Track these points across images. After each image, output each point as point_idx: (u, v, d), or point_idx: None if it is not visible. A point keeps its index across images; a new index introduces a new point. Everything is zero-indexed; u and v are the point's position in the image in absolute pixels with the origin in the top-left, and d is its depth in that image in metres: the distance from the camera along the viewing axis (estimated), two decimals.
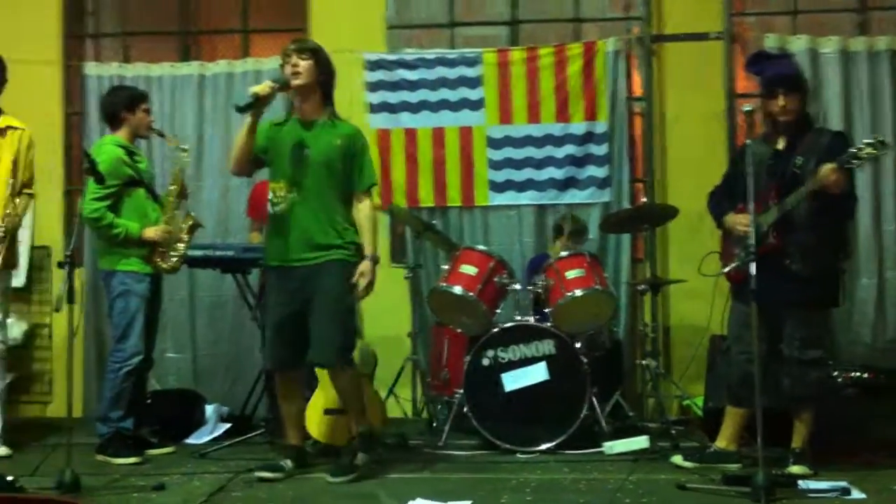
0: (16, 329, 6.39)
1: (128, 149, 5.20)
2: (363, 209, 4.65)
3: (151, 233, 5.11)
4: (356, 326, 4.90)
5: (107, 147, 5.19)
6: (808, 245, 4.42)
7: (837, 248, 4.61)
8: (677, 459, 4.69)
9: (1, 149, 5.13)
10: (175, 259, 5.20)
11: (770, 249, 4.39)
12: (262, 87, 4.47)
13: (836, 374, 4.96)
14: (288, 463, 4.59)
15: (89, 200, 5.00)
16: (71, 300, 4.16)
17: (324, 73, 4.60)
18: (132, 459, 4.95)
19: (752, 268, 4.01)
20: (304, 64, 4.53)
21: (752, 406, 4.28)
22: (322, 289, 4.51)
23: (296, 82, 4.53)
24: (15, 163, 5.15)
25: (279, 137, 4.61)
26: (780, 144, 4.59)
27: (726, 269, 4.69)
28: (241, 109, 4.48)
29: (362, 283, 4.54)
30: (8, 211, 5.09)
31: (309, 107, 4.61)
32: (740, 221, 4.53)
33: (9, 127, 5.17)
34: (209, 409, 5.87)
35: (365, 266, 4.55)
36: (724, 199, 4.79)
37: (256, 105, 4.44)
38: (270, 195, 4.61)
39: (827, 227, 4.48)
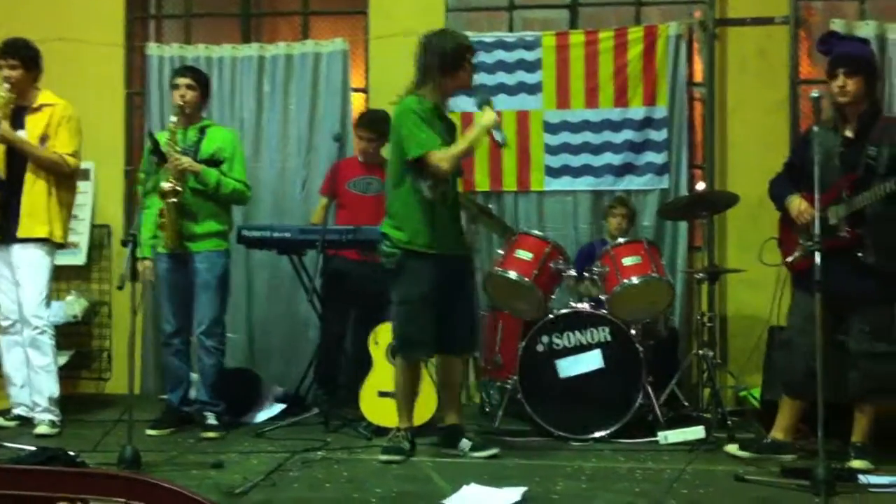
0: (76, 306, 6.51)
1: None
2: None
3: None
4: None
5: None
6: (885, 238, 4.28)
7: None
8: (732, 448, 4.65)
9: (33, 125, 5.20)
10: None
11: (842, 243, 4.30)
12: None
13: None
14: (406, 444, 4.63)
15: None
16: (133, 278, 4.22)
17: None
18: (153, 432, 5.13)
19: (818, 258, 3.89)
20: None
21: (811, 399, 4.13)
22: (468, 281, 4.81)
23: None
24: (46, 137, 5.18)
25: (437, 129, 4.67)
26: (849, 132, 4.43)
27: (789, 259, 4.60)
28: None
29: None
30: None
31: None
32: (806, 210, 4.42)
33: (44, 104, 5.23)
34: (274, 390, 5.94)
35: None
36: (787, 187, 4.65)
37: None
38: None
39: None
